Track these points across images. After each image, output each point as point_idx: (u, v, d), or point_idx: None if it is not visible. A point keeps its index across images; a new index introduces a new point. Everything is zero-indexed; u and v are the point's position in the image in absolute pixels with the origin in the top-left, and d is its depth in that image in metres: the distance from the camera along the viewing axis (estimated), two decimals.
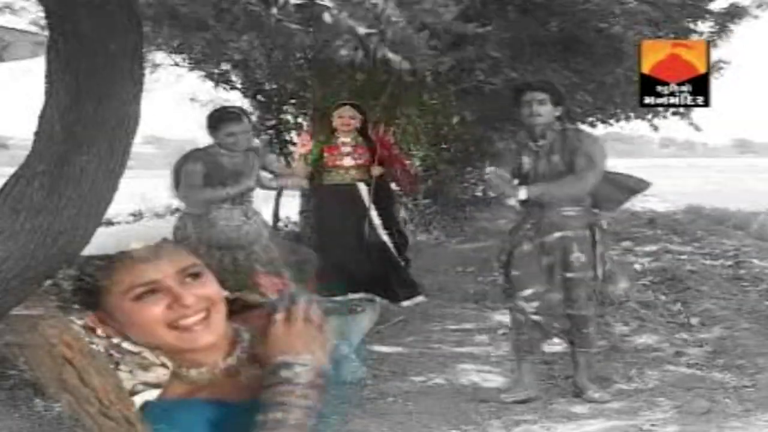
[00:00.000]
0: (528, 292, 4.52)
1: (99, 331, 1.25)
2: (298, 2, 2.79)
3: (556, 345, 5.02)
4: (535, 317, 4.52)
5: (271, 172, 5.26)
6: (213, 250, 4.63)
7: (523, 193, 4.45)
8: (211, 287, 1.27)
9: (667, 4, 6.25)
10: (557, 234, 4.49)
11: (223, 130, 4.81)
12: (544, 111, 4.43)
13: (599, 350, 5.09)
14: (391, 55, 2.91)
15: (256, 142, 7.21)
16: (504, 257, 4.61)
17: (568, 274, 4.51)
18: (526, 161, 4.54)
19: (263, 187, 5.32)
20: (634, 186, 4.75)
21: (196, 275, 1.26)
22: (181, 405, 1.24)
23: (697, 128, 8.80)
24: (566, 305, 4.55)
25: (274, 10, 2.77)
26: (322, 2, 2.75)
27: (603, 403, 4.50)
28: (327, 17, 2.75)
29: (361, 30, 2.78)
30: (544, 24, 6.07)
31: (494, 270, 5.06)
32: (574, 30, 6.16)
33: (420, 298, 6.68)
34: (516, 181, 4.59)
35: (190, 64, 8.83)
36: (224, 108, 5.40)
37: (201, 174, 4.80)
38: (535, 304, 4.52)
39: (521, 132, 4.68)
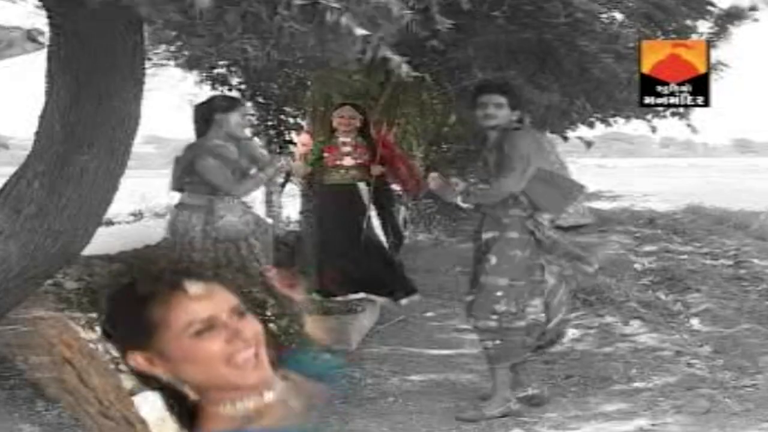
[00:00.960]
0: (469, 299, 4.44)
1: (149, 371, 1.25)
2: (302, 2, 2.78)
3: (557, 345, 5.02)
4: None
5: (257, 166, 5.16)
6: (219, 242, 4.61)
7: (459, 200, 4.38)
8: (257, 325, 1.30)
9: (667, 5, 6.27)
10: (486, 235, 4.33)
11: (222, 117, 4.72)
12: (500, 114, 4.24)
13: (571, 375, 4.84)
14: (390, 55, 2.91)
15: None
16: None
17: (481, 278, 4.30)
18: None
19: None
20: (571, 190, 4.39)
21: (242, 314, 1.29)
22: None
23: (695, 130, 8.78)
24: (467, 312, 4.40)
25: (281, 10, 2.77)
26: (326, 2, 2.75)
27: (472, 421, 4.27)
28: (328, 17, 2.75)
29: (359, 31, 2.78)
30: (524, 33, 6.08)
31: None
32: (550, 43, 6.18)
33: (416, 297, 6.68)
34: (459, 185, 4.51)
35: (190, 64, 8.81)
36: (219, 96, 5.32)
37: (219, 166, 4.71)
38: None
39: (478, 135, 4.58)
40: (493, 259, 4.24)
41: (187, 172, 4.70)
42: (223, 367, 1.24)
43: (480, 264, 4.34)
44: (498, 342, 4.27)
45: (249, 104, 8.95)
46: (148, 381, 1.26)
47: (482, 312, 4.28)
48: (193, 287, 1.27)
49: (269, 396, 1.28)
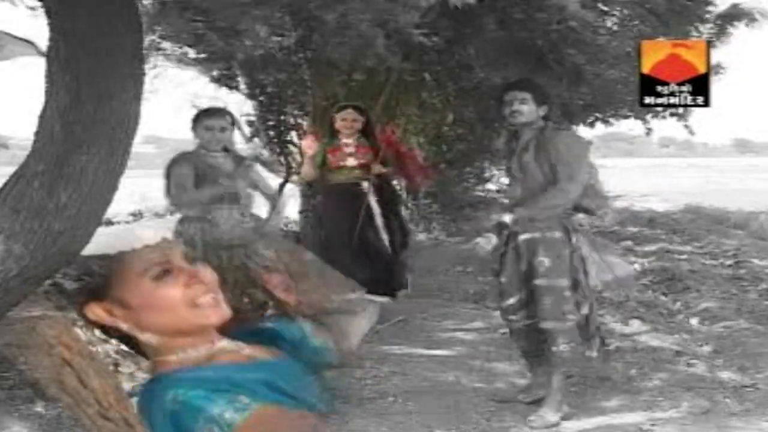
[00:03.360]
0: (512, 300, 4.39)
1: (110, 322, 1.26)
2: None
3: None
4: (521, 325, 4.40)
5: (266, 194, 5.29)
6: (219, 250, 4.60)
7: (507, 218, 4.31)
8: (211, 271, 1.33)
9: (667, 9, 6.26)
10: (525, 236, 4.27)
11: (202, 124, 4.81)
12: (525, 110, 4.26)
13: (570, 374, 4.57)
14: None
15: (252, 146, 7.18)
16: (496, 265, 4.47)
17: (535, 281, 4.25)
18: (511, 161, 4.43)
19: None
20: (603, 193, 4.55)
21: (194, 261, 1.33)
22: (190, 370, 1.26)
23: (692, 132, 8.77)
24: (529, 316, 4.33)
25: None
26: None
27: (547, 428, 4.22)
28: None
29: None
30: (519, 38, 6.08)
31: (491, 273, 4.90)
32: (541, 49, 6.18)
33: (405, 291, 6.69)
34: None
35: (193, 63, 8.81)
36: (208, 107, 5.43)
37: (191, 176, 4.78)
38: (522, 312, 4.37)
39: (506, 132, 4.57)
40: (548, 262, 4.20)
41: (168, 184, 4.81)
42: (185, 310, 1.26)
43: (526, 267, 4.28)
44: (573, 344, 4.23)
45: (251, 103, 8.96)
46: (107, 332, 1.28)
47: (554, 314, 4.20)
48: (145, 235, 1.32)
49: (222, 343, 1.29)
